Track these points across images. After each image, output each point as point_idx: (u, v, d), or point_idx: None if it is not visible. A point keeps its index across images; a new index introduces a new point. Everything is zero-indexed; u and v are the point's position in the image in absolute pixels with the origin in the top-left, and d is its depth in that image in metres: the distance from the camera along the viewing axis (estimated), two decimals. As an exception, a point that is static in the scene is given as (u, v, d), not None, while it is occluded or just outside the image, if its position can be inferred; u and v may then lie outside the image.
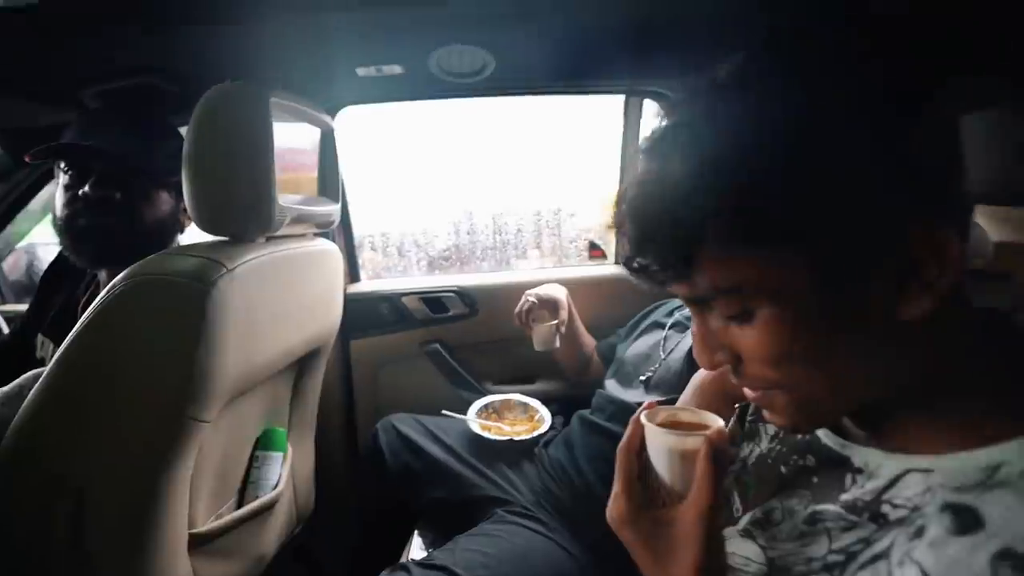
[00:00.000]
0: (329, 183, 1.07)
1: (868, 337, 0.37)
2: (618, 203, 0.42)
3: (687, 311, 1.14)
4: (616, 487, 0.47)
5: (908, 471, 0.39)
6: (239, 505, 0.95)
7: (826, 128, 0.34)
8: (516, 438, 1.19)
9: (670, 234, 0.37)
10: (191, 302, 0.68)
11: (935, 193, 0.36)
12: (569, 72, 1.23)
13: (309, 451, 1.19)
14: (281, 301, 0.88)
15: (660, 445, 0.46)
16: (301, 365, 1.09)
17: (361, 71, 1.11)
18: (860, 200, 0.34)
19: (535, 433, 1.21)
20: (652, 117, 1.40)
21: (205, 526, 0.84)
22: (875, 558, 0.38)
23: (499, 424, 1.27)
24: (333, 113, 1.28)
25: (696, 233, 0.36)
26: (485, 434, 1.20)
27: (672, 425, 0.48)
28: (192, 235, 0.97)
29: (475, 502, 1.10)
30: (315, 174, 1.05)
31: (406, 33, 0.96)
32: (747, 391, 0.44)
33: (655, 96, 1.36)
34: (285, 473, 1.03)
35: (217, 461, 0.87)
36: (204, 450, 0.80)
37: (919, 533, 0.36)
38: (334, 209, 1.06)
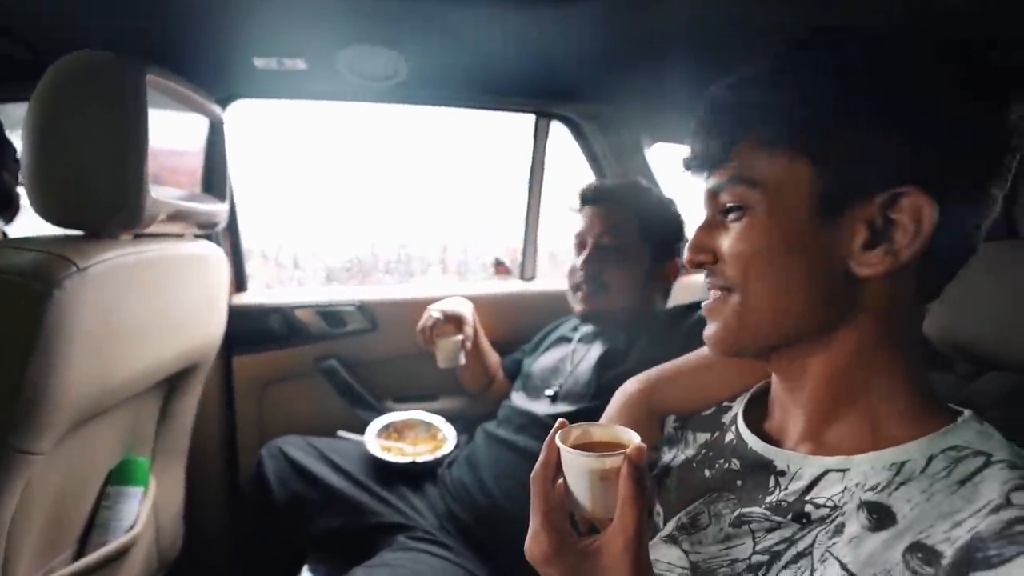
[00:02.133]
0: (215, 179, 0.96)
1: (822, 276, 0.41)
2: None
3: (590, 327, 1.18)
4: (534, 522, 0.44)
5: (827, 471, 0.42)
6: (78, 555, 0.79)
7: (871, 84, 0.39)
8: (418, 459, 1.14)
9: (728, 115, 0.44)
10: (24, 305, 0.56)
11: (941, 171, 0.39)
12: (481, 87, 1.23)
13: (178, 483, 1.04)
14: (149, 309, 0.76)
15: (578, 468, 0.44)
16: (172, 384, 0.95)
17: (259, 62, 1.03)
18: (880, 142, 0.39)
19: (439, 453, 1.17)
20: (560, 138, 1.45)
21: (29, 585, 0.69)
22: (798, 556, 0.40)
23: (400, 445, 1.21)
24: (225, 104, 1.17)
25: (746, 119, 0.43)
26: (385, 456, 1.14)
27: (586, 445, 0.46)
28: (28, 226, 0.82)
29: (374, 530, 1.02)
30: (198, 168, 0.94)
31: (313, 25, 0.90)
32: (705, 302, 0.48)
33: (563, 119, 1.42)
34: (145, 511, 0.88)
35: (51, 502, 0.72)
36: (33, 489, 0.66)
37: (839, 530, 0.39)
38: (220, 209, 0.96)
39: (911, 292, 0.42)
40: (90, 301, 0.62)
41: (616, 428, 0.48)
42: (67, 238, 0.68)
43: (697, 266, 0.47)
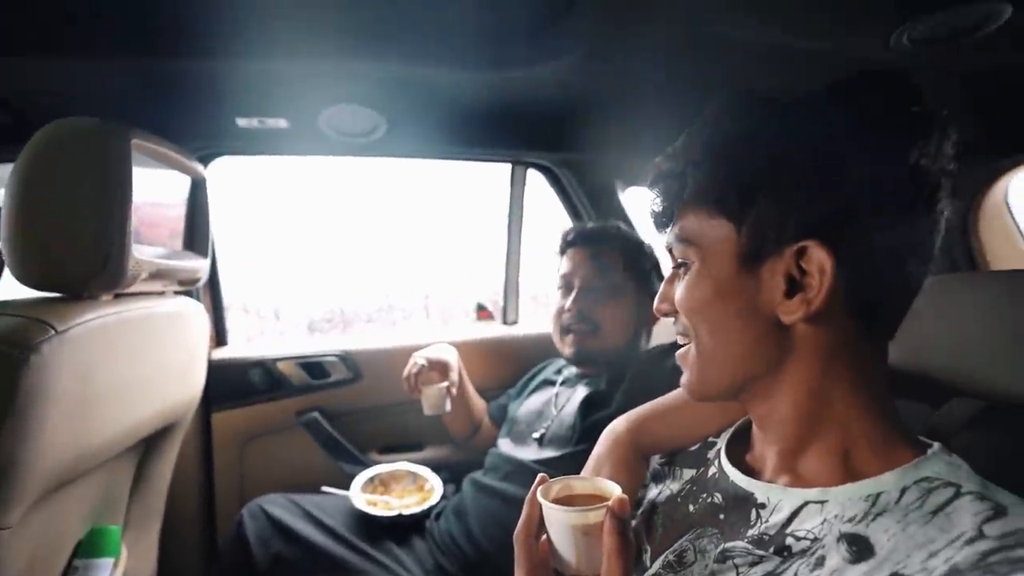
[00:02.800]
0: (198, 236, 0.97)
1: (754, 322, 0.44)
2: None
3: (573, 370, 1.18)
4: None
5: (806, 503, 0.43)
6: (43, 634, 0.74)
7: (783, 149, 0.43)
8: (405, 512, 1.11)
9: (671, 183, 0.49)
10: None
11: (839, 224, 0.42)
12: (457, 139, 1.28)
13: (151, 550, 0.99)
14: (128, 370, 0.75)
15: (561, 524, 0.44)
16: (149, 445, 0.92)
17: (242, 122, 1.06)
18: (782, 202, 0.43)
19: (426, 505, 1.13)
20: (536, 185, 1.50)
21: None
22: None
23: (386, 498, 1.17)
24: (207, 161, 1.19)
25: (683, 185, 0.48)
26: (371, 510, 1.10)
27: (567, 499, 0.46)
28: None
29: (359, 590, 0.98)
30: (180, 225, 0.95)
31: (294, 87, 0.94)
32: (679, 350, 0.51)
33: (538, 167, 1.47)
34: (116, 583, 0.83)
35: (15, 578, 0.68)
36: (-2, 565, 0.62)
37: (820, 563, 0.39)
38: (201, 265, 0.96)
39: (853, 332, 0.43)
40: (68, 364, 0.61)
41: (597, 481, 0.48)
42: (45, 300, 0.67)
43: (664, 314, 0.51)
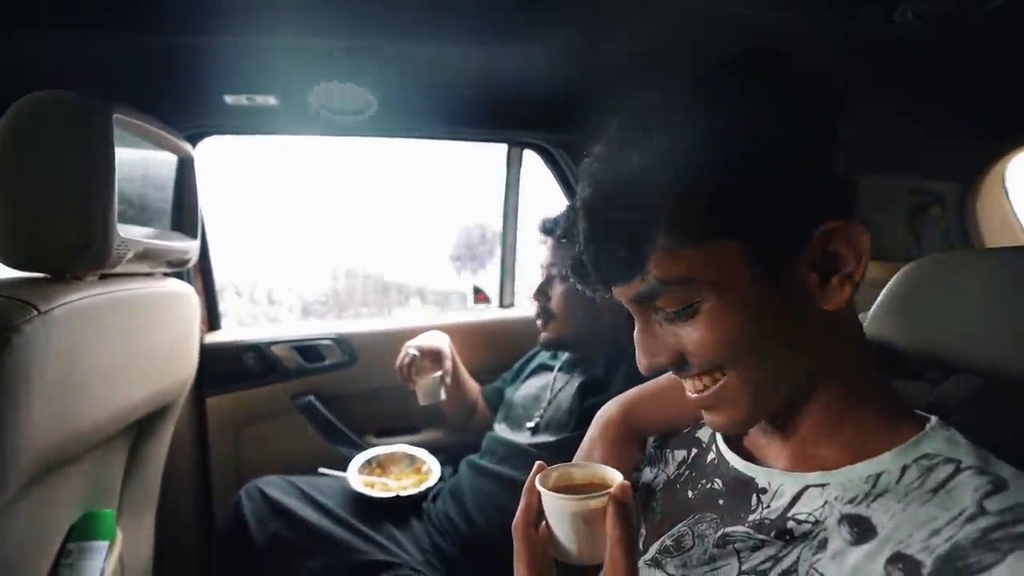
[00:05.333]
0: (186, 216, 0.95)
1: (799, 326, 0.41)
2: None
3: (568, 355, 1.18)
4: (520, 571, 0.42)
5: (807, 487, 0.42)
6: (39, 617, 0.74)
7: (760, 140, 0.38)
8: (402, 493, 1.11)
9: (627, 228, 0.40)
10: (-19, 353, 0.53)
11: (847, 196, 0.41)
12: (452, 119, 1.26)
13: (147, 534, 0.98)
14: (116, 352, 0.74)
15: (561, 512, 0.42)
16: (141, 428, 0.91)
17: (230, 99, 1.03)
18: (788, 198, 0.39)
19: (423, 486, 1.14)
20: (532, 166, 1.48)
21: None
22: (784, 574, 0.40)
23: (383, 480, 1.17)
24: (195, 140, 1.16)
25: (651, 226, 0.39)
26: (368, 491, 1.10)
27: (567, 487, 0.45)
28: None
29: (357, 569, 0.98)
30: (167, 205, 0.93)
31: (284, 63, 0.91)
32: (691, 392, 0.44)
33: (535, 147, 1.45)
34: (110, 566, 0.83)
35: (6, 563, 0.67)
36: (-14, 549, 0.62)
37: (822, 546, 0.39)
38: (191, 246, 0.94)
39: (849, 304, 0.42)
40: (52, 346, 0.60)
41: (597, 467, 0.47)
42: (28, 280, 0.66)
43: (658, 369, 0.44)
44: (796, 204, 0.39)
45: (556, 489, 0.43)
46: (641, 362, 0.44)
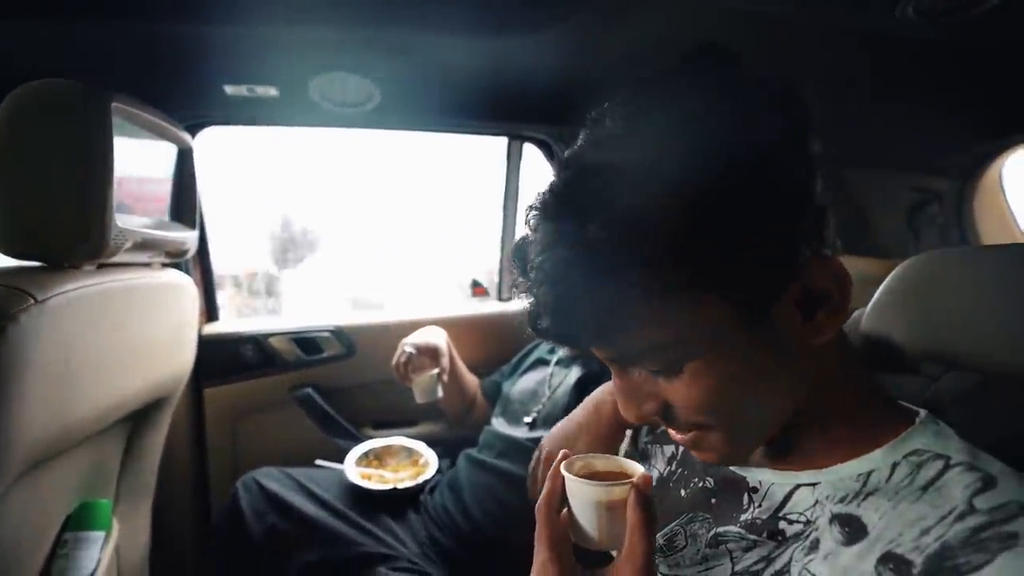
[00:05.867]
0: (184, 207, 0.94)
1: (787, 367, 0.40)
2: (514, 261, 0.41)
3: (566, 349, 1.18)
4: (542, 552, 0.43)
5: (798, 486, 0.42)
6: (34, 608, 0.74)
7: (724, 170, 0.35)
8: (400, 486, 1.11)
9: (591, 295, 0.35)
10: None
11: (824, 229, 0.39)
12: (453, 111, 1.25)
13: (143, 525, 0.99)
14: (113, 342, 0.74)
15: (585, 498, 0.43)
16: (137, 419, 0.91)
17: (230, 89, 1.02)
18: (763, 235, 0.36)
19: (420, 479, 1.14)
20: (533, 160, 1.48)
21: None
22: (777, 575, 0.40)
23: (380, 472, 1.18)
24: (195, 131, 1.15)
25: (621, 296, 0.35)
26: (365, 484, 1.10)
27: (589, 476, 0.45)
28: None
29: (354, 561, 0.98)
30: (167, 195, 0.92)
31: (284, 52, 0.91)
32: (675, 435, 0.43)
33: (535, 141, 1.44)
34: (106, 557, 0.83)
35: (1, 553, 0.68)
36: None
37: (815, 546, 0.39)
38: (189, 236, 0.94)
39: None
40: (48, 335, 0.59)
41: (618, 459, 0.48)
42: (25, 269, 0.65)
43: (641, 422, 0.43)
44: (773, 241, 0.36)
45: (579, 477, 0.44)
46: (627, 413, 0.42)
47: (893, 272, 0.58)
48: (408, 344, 1.19)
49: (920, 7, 0.73)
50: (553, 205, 0.38)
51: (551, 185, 0.39)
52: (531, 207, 0.39)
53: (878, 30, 0.80)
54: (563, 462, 0.46)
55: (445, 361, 1.21)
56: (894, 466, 0.39)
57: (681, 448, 0.54)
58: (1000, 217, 1.21)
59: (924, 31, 0.79)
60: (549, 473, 0.45)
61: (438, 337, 1.23)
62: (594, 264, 0.35)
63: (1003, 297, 0.49)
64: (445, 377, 1.20)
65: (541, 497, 0.45)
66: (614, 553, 0.44)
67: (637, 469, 0.45)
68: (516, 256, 0.40)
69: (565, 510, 0.45)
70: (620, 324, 0.36)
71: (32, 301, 0.57)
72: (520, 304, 0.41)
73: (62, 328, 0.61)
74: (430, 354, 1.20)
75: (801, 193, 0.38)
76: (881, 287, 0.58)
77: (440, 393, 1.19)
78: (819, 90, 0.42)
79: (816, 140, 0.38)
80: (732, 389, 0.39)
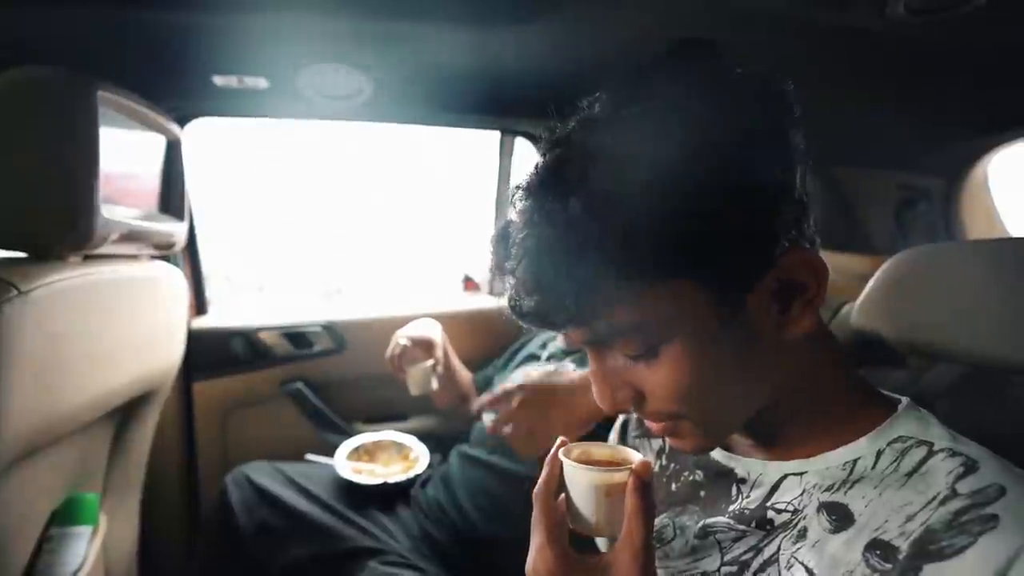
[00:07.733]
0: (173, 199, 0.93)
1: (761, 356, 0.40)
2: (498, 245, 0.41)
3: (558, 344, 1.18)
4: (538, 538, 0.43)
5: (785, 476, 0.43)
6: (16, 605, 0.73)
7: (706, 160, 0.35)
8: (390, 480, 1.11)
9: (570, 275, 0.36)
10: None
11: (804, 221, 0.39)
12: (445, 105, 1.24)
13: (131, 520, 0.98)
14: (99, 334, 0.73)
15: (584, 483, 0.43)
16: (125, 413, 0.90)
17: (219, 80, 1.01)
18: (743, 225, 0.36)
19: (411, 473, 1.14)
20: (525, 155, 1.48)
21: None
22: (765, 564, 0.40)
23: (371, 466, 1.17)
24: (183, 122, 1.14)
25: (596, 271, 0.35)
26: (356, 478, 1.10)
27: (588, 462, 0.45)
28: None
29: (345, 556, 0.98)
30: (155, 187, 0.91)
31: (274, 43, 0.90)
32: (650, 424, 0.44)
33: (527, 136, 1.44)
34: (93, 552, 0.82)
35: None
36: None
37: (802, 535, 0.39)
38: (178, 229, 0.93)
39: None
40: (33, 327, 0.58)
41: (615, 447, 0.48)
42: (9, 260, 0.64)
43: (617, 411, 0.44)
44: (750, 230, 0.37)
45: (578, 463, 0.44)
46: (602, 400, 0.42)
47: (882, 267, 0.58)
48: (402, 336, 1.19)
49: (912, 5, 0.74)
50: (537, 183, 0.38)
51: (536, 165, 0.40)
52: (517, 187, 0.40)
53: (867, 28, 0.80)
54: (560, 448, 0.46)
55: (439, 353, 1.20)
56: (879, 453, 0.39)
57: (666, 442, 0.55)
58: (986, 215, 1.23)
59: (913, 29, 0.79)
60: (547, 458, 0.45)
61: (432, 329, 1.23)
62: (574, 240, 0.35)
63: (988, 291, 0.50)
64: (439, 369, 1.20)
65: (539, 483, 0.45)
66: (602, 542, 0.44)
67: (635, 456, 0.45)
68: (500, 238, 0.41)
69: (563, 496, 0.45)
70: (596, 303, 0.37)
71: (15, 292, 0.57)
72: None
73: (47, 320, 0.61)
74: (424, 346, 1.20)
75: (781, 183, 0.38)
76: (870, 282, 0.59)
77: (434, 385, 1.19)
78: (808, 88, 0.42)
79: (798, 134, 0.39)
80: (706, 376, 0.39)
